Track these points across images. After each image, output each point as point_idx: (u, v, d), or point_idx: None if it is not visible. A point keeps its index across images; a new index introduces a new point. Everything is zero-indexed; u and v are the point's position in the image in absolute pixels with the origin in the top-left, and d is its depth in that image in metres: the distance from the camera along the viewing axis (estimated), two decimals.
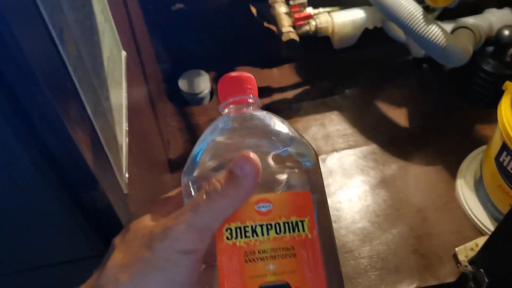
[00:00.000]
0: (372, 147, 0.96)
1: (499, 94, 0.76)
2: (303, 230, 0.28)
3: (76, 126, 0.34)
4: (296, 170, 0.30)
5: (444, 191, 0.88)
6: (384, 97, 1.04)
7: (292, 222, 0.28)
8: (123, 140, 0.50)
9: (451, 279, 0.77)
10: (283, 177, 0.30)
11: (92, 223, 0.41)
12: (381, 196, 0.88)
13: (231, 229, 0.27)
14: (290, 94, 1.06)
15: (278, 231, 0.28)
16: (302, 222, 0.28)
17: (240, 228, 0.27)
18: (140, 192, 0.56)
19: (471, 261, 0.68)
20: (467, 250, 0.70)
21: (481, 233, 0.82)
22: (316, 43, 1.01)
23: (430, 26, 0.81)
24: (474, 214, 0.84)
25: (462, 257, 0.69)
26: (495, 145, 0.77)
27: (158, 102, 0.95)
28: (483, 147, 0.89)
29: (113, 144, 0.44)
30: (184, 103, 1.04)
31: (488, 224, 0.82)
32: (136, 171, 0.54)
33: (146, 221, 0.28)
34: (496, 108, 0.75)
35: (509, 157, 0.73)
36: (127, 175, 0.48)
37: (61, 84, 0.33)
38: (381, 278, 0.77)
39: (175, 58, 1.08)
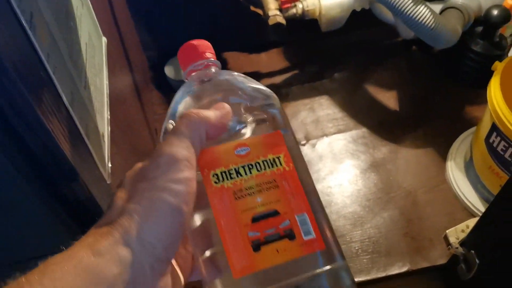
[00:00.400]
0: (362, 131, 0.95)
1: (489, 74, 0.75)
2: (280, 164, 0.33)
3: (51, 116, 0.33)
4: (265, 116, 0.34)
5: (434, 174, 0.88)
6: (374, 80, 1.03)
7: (269, 160, 0.32)
8: (105, 129, 0.48)
9: (442, 261, 0.77)
10: (253, 124, 0.34)
11: (74, 215, 0.39)
12: (372, 180, 0.88)
13: (217, 174, 0.31)
14: (278, 79, 1.05)
15: (259, 168, 0.32)
16: (278, 158, 0.33)
17: (224, 172, 0.31)
18: None
19: (462, 243, 0.68)
20: (458, 232, 0.70)
21: (471, 215, 0.82)
22: (304, 26, 1.00)
23: (418, 7, 0.79)
24: (464, 196, 0.83)
25: (453, 239, 0.68)
26: (485, 127, 0.76)
27: (144, 90, 0.93)
28: (473, 129, 0.89)
29: (94, 134, 0.43)
30: (171, 90, 1.02)
31: (478, 206, 0.82)
32: (120, 161, 0.53)
33: (135, 168, 0.30)
34: (485, 89, 0.75)
35: (499, 138, 0.72)
36: (110, 165, 0.46)
37: (33, 72, 0.31)
38: (373, 262, 0.77)
39: (160, 44, 1.06)
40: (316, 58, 1.09)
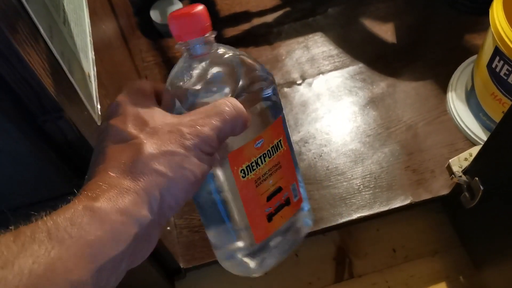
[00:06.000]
0: (359, 66, 0.92)
1: None
2: (281, 146, 0.37)
3: (28, 47, 0.30)
4: (269, 103, 0.35)
5: (434, 105, 0.86)
6: (369, 12, 0.99)
7: (275, 145, 0.36)
8: (91, 70, 0.45)
9: (444, 191, 0.77)
10: (258, 112, 0.35)
11: (65, 157, 0.37)
12: (371, 116, 0.86)
13: (243, 170, 0.34)
14: (270, 18, 1.00)
15: (269, 155, 0.36)
16: (280, 141, 0.36)
17: (248, 166, 0.34)
18: None
19: (466, 171, 0.67)
20: (460, 161, 0.68)
21: (473, 144, 0.81)
22: None
23: None
24: (466, 126, 0.82)
25: (456, 168, 0.67)
26: (487, 52, 0.73)
27: (131, 37, 0.89)
28: (474, 57, 0.86)
29: (79, 72, 0.40)
30: (159, 36, 0.98)
31: (480, 135, 0.80)
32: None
33: (164, 117, 0.30)
34: (485, 15, 0.71)
35: (501, 63, 0.70)
36: (99, 107, 0.44)
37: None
38: (375, 197, 0.77)
39: None
40: None
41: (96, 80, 0.47)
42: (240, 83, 0.33)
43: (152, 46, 0.96)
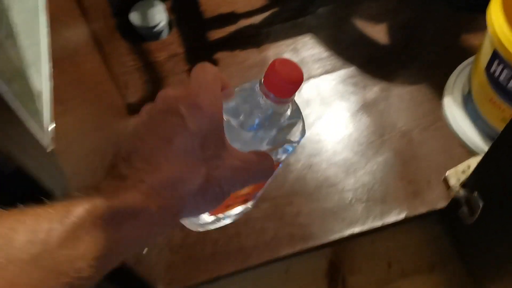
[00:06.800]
0: (350, 69, 0.87)
1: None
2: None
3: None
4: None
5: (430, 110, 0.81)
6: (360, 12, 0.94)
7: None
8: (43, 85, 0.40)
9: (441, 204, 0.72)
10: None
11: (4, 193, 0.33)
12: (363, 122, 0.81)
13: None
14: (258, 19, 0.95)
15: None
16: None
17: None
18: (80, 146, 0.48)
19: (464, 185, 0.63)
20: (458, 173, 0.64)
21: (470, 152, 0.76)
22: None
23: None
24: (463, 132, 0.77)
25: (453, 181, 0.63)
26: (485, 55, 0.69)
27: (109, 41, 0.84)
28: (471, 59, 0.81)
29: (23, 89, 0.35)
30: (140, 39, 0.93)
31: (478, 142, 0.76)
32: (70, 121, 0.46)
33: (230, 151, 0.32)
34: (483, 13, 0.67)
35: (501, 67, 0.65)
36: (52, 126, 0.39)
37: None
38: (368, 211, 0.72)
39: None
40: None
41: (52, 97, 0.42)
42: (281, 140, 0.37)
43: (133, 50, 0.91)
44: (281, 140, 0.38)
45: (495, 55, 0.65)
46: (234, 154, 0.32)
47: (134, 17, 0.89)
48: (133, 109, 0.84)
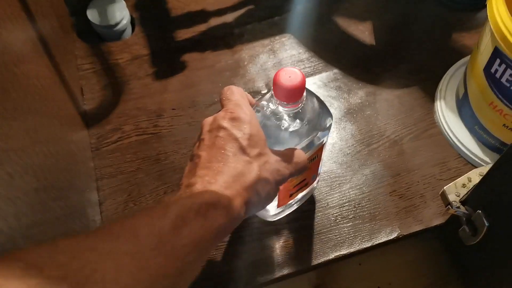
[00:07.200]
0: (333, 72, 0.79)
1: None
2: (317, 157, 0.53)
3: None
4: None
5: (421, 116, 0.73)
6: (344, 10, 0.86)
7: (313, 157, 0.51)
8: None
9: (438, 221, 0.64)
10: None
11: None
12: (349, 130, 0.73)
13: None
14: (230, 17, 0.87)
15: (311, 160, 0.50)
16: (317, 155, 0.52)
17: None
18: (20, 162, 0.39)
19: (465, 201, 0.55)
20: (458, 188, 0.56)
21: (467, 162, 0.69)
22: None
23: None
24: (458, 140, 0.70)
25: (452, 197, 0.55)
26: (484, 53, 0.61)
27: (62, 42, 0.74)
28: (466, 59, 0.74)
29: None
30: (99, 39, 0.84)
31: (476, 151, 0.68)
32: (10, 134, 0.37)
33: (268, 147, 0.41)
34: (477, 11, 0.59)
35: (503, 66, 0.58)
36: None
37: None
38: (355, 230, 0.64)
39: None
40: None
41: None
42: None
43: (90, 52, 0.82)
44: (312, 130, 0.45)
45: (496, 53, 0.58)
46: (275, 152, 0.41)
47: (92, 15, 0.80)
48: (89, 118, 0.74)
